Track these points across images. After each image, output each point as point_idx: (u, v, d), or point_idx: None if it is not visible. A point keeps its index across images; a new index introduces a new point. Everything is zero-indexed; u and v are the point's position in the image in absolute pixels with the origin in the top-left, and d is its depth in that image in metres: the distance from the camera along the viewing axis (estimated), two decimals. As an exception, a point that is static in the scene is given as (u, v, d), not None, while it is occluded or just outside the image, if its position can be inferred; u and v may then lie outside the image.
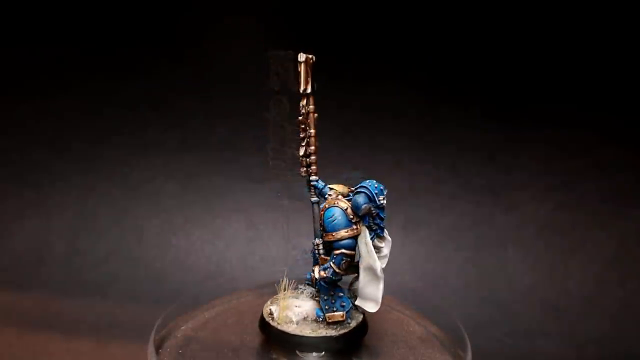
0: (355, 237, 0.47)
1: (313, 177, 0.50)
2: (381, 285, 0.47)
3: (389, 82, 0.95)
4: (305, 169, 0.50)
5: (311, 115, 0.49)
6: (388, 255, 0.49)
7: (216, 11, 0.97)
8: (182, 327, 0.53)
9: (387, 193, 0.47)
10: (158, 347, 0.49)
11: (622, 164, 0.94)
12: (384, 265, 0.48)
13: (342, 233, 0.46)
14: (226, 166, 1.01)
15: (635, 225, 0.93)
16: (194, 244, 1.00)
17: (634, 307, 0.89)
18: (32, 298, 0.93)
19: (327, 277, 0.47)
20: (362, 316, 0.50)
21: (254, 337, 0.50)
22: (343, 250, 0.47)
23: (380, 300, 0.47)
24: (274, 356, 0.49)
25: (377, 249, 0.47)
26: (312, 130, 0.49)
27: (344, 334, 0.48)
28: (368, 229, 0.47)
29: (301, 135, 0.50)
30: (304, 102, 0.49)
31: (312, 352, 0.47)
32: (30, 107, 1.04)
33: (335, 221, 0.47)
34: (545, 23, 0.91)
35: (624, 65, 0.91)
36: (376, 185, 0.47)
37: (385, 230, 0.48)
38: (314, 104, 0.49)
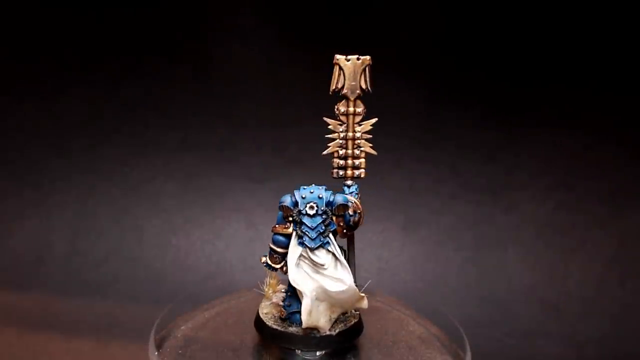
0: (286, 236, 0.46)
1: (348, 182, 0.50)
2: (305, 302, 0.44)
3: (388, 82, 0.95)
4: (336, 170, 0.50)
5: (351, 117, 0.49)
6: (344, 282, 0.44)
7: (216, 11, 0.97)
8: (182, 327, 0.53)
9: (336, 207, 0.45)
10: (158, 347, 0.49)
11: (622, 164, 0.94)
12: (333, 290, 0.44)
13: (275, 228, 0.47)
14: (226, 166, 1.01)
15: (635, 225, 0.93)
16: (194, 244, 1.00)
17: (634, 307, 0.89)
18: (32, 298, 0.93)
19: (263, 263, 0.48)
20: (358, 316, 0.50)
21: (254, 337, 0.50)
22: (269, 243, 0.47)
23: (304, 317, 0.44)
24: (273, 356, 0.49)
25: (318, 264, 0.45)
26: (350, 133, 0.49)
27: (332, 334, 0.47)
28: (295, 233, 0.46)
29: (328, 136, 0.50)
30: (341, 102, 0.49)
31: (307, 351, 0.47)
32: (30, 107, 1.04)
33: (278, 215, 0.47)
34: (545, 23, 0.91)
35: (624, 65, 0.91)
36: (312, 192, 0.45)
37: (332, 248, 0.45)
38: (355, 107, 0.49)
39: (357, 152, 0.50)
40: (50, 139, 1.04)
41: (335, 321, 0.47)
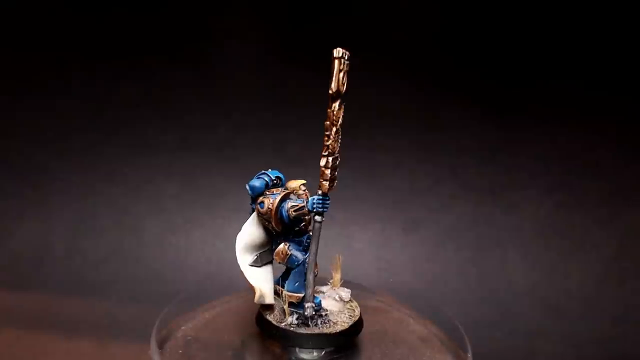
0: None
1: (319, 192, 0.45)
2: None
3: (388, 82, 0.95)
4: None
5: (328, 121, 0.44)
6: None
7: (216, 11, 0.97)
8: (183, 328, 0.53)
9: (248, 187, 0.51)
10: (159, 348, 0.49)
11: (622, 164, 0.94)
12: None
13: None
14: (226, 166, 1.01)
15: (635, 225, 0.93)
16: (194, 244, 1.00)
17: (634, 307, 0.89)
18: (32, 298, 0.92)
19: None
20: (358, 314, 0.50)
21: (255, 337, 0.50)
22: None
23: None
24: (274, 355, 0.49)
25: None
26: (325, 138, 0.44)
27: (333, 332, 0.47)
28: None
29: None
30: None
31: (307, 349, 0.47)
32: (31, 107, 1.04)
33: None
34: (545, 23, 0.91)
35: (624, 65, 0.91)
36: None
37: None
38: (331, 109, 0.43)
39: (322, 161, 0.44)
40: (50, 139, 1.04)
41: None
